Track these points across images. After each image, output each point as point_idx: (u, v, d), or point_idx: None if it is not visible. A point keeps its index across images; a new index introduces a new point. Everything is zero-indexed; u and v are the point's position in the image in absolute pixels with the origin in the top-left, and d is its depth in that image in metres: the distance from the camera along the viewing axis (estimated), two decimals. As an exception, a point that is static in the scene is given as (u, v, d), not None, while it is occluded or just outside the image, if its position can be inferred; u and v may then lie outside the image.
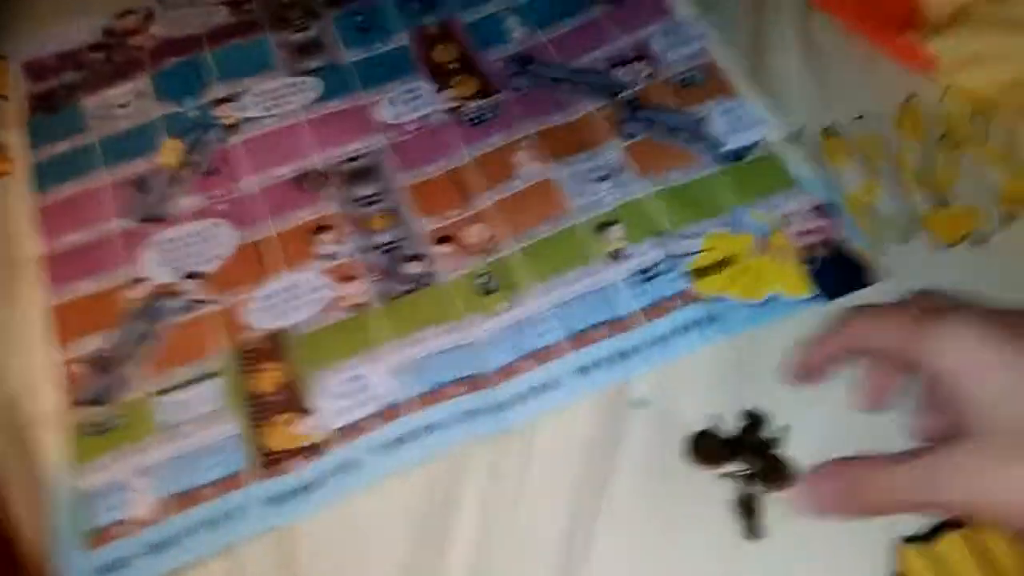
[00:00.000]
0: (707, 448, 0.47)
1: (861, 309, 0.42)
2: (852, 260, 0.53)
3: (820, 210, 0.55)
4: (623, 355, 0.51)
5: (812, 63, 0.63)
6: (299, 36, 0.69)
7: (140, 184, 0.61)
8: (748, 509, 0.45)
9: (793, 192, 0.56)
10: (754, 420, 0.48)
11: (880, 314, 0.41)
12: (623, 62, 0.65)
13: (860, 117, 0.60)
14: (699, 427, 0.48)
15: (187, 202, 0.60)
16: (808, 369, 0.45)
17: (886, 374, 0.44)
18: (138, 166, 0.62)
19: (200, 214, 0.60)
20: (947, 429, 0.39)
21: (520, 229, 0.57)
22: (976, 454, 0.35)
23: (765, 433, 0.47)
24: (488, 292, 0.54)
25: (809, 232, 0.55)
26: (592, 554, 0.45)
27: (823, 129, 0.60)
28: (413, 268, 0.56)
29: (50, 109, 0.66)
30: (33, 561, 0.54)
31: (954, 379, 0.36)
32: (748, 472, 0.46)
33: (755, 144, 0.59)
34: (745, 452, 0.46)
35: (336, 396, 0.51)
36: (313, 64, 0.67)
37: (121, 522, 0.48)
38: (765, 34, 0.65)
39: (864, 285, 0.53)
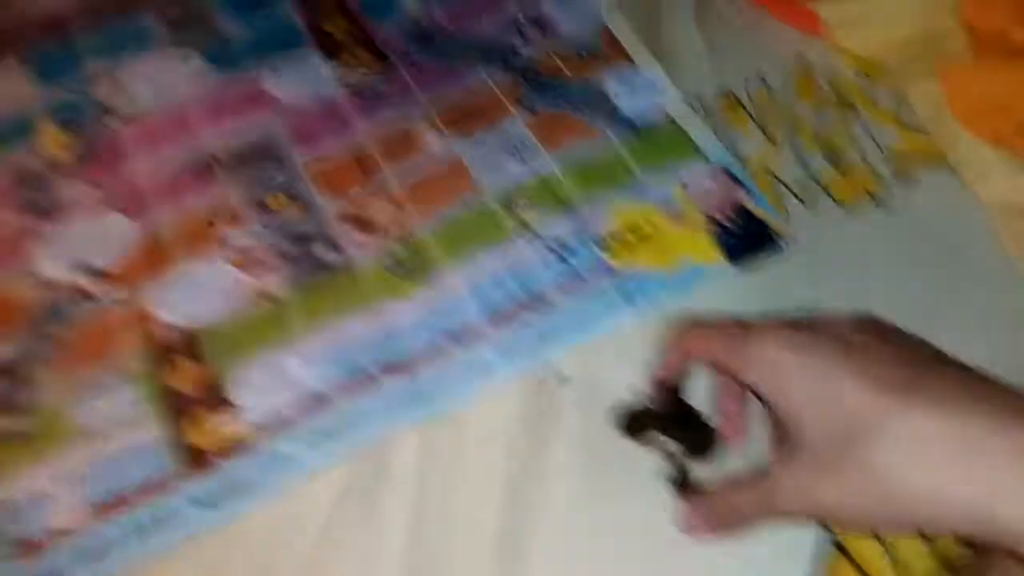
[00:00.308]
0: (632, 424, 0.49)
1: (693, 321, 0.46)
2: (759, 225, 0.56)
3: (724, 176, 0.58)
4: (543, 334, 0.53)
5: (707, 28, 0.65)
6: (176, 10, 0.66)
7: (21, 175, 0.59)
8: (680, 483, 0.48)
9: (696, 159, 0.59)
10: (669, 393, 0.51)
11: (708, 327, 0.45)
12: (518, 31, 0.65)
13: (755, 81, 0.62)
14: (626, 401, 0.50)
15: (74, 192, 0.58)
16: (661, 380, 0.49)
17: (731, 394, 0.48)
18: (18, 157, 0.60)
19: (87, 205, 0.58)
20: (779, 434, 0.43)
21: (430, 208, 0.57)
22: (798, 467, 0.39)
23: (688, 403, 0.50)
24: (403, 276, 0.55)
25: (715, 198, 0.57)
26: (530, 535, 0.47)
27: (720, 94, 0.62)
28: (323, 252, 0.56)
29: (-92, 95, 0.62)
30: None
31: (765, 389, 0.40)
32: (675, 444, 0.48)
33: (653, 112, 0.61)
34: (670, 424, 0.49)
35: (257, 389, 0.51)
36: (192, 37, 0.65)
37: (49, 532, 0.47)
38: (660, 1, 0.66)
39: (772, 249, 0.55)
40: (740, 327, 0.43)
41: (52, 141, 0.60)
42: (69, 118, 0.61)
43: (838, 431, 0.36)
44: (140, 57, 0.63)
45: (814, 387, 0.38)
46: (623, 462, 0.49)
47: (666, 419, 0.48)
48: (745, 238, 0.56)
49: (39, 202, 0.58)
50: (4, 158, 0.59)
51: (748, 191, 0.57)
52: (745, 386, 0.45)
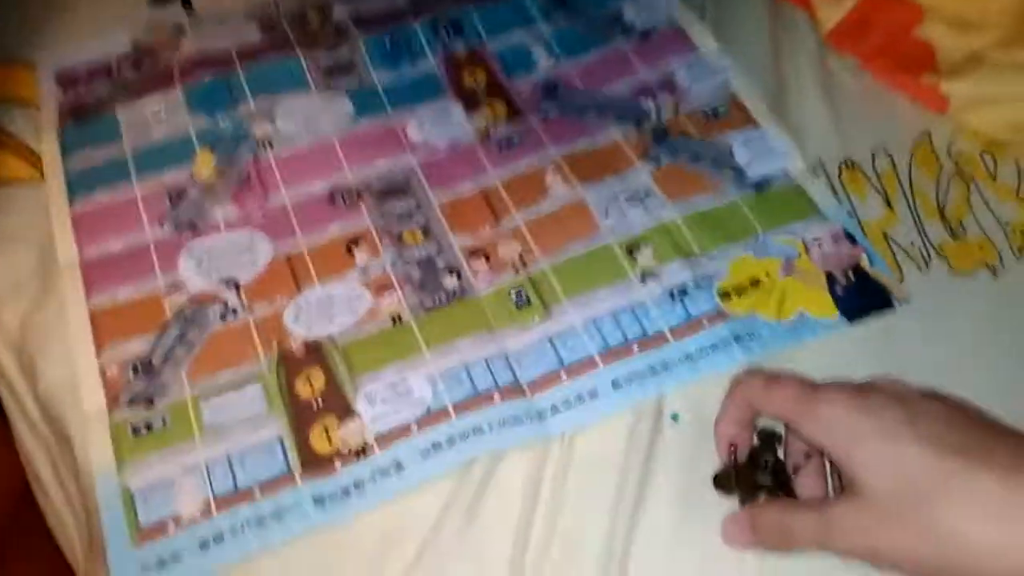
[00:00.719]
0: (725, 482, 0.49)
1: (750, 375, 0.48)
2: (874, 284, 0.57)
3: (843, 236, 0.59)
4: (654, 371, 0.54)
5: (830, 98, 0.66)
6: (330, 56, 0.71)
7: (174, 194, 0.63)
8: (742, 499, 0.48)
9: (815, 219, 0.60)
10: (769, 438, 0.51)
11: (767, 384, 0.46)
12: (648, 92, 0.68)
13: (877, 151, 0.63)
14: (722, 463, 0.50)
15: (221, 213, 0.62)
16: (724, 436, 0.49)
17: (799, 448, 0.49)
18: (171, 177, 0.64)
19: (234, 225, 0.62)
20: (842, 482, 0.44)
21: (552, 247, 0.59)
22: (862, 512, 0.41)
23: (779, 452, 0.50)
24: (522, 306, 0.57)
25: (833, 257, 0.58)
26: (632, 560, 0.48)
27: (842, 161, 0.63)
28: (449, 281, 0.58)
29: (82, 119, 0.68)
30: (75, 558, 0.56)
31: (833, 451, 0.42)
32: (760, 488, 0.49)
33: (777, 173, 0.62)
34: (759, 469, 0.49)
35: (377, 401, 0.53)
36: (344, 84, 0.69)
37: (169, 519, 0.49)
38: (785, 70, 0.68)
39: (886, 308, 0.56)
40: (809, 387, 0.45)
41: (205, 166, 0.64)
42: (223, 146, 0.65)
43: (902, 489, 0.39)
44: (293, 96, 0.67)
45: (880, 449, 0.40)
46: (725, 499, 0.49)
47: (753, 464, 0.48)
48: (860, 296, 0.56)
49: (189, 219, 0.61)
50: (161, 177, 0.63)
51: (866, 252, 0.58)
52: (808, 443, 0.46)
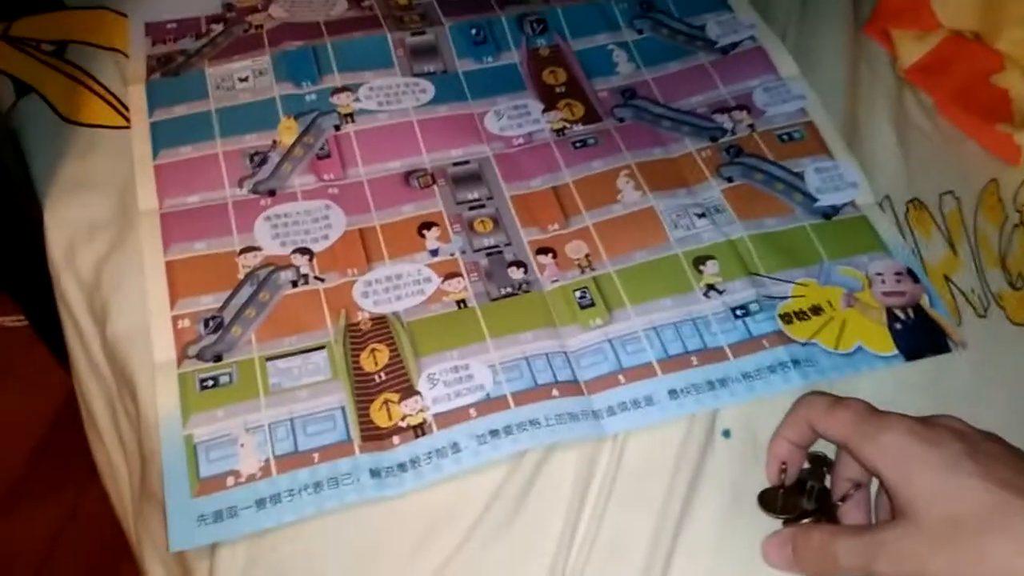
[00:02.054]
0: (770, 502, 0.50)
1: (814, 396, 0.49)
2: (932, 325, 0.57)
3: (904, 275, 0.59)
4: (711, 385, 0.54)
5: (903, 135, 0.66)
6: (415, 39, 0.71)
7: (255, 158, 0.63)
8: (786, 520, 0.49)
9: (880, 254, 0.60)
10: (819, 463, 0.51)
11: (831, 405, 0.47)
12: (724, 109, 0.68)
13: (945, 193, 0.63)
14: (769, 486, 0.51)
15: (299, 180, 0.63)
16: (777, 454, 0.50)
17: (851, 472, 0.49)
18: (253, 140, 0.65)
19: (311, 194, 0.62)
20: (891, 507, 0.45)
21: (619, 251, 0.60)
22: (913, 538, 0.41)
23: (827, 478, 0.50)
24: (585, 306, 0.57)
25: (894, 294, 0.58)
26: (674, 566, 0.48)
27: (910, 200, 0.63)
28: (515, 273, 0.59)
29: (170, 72, 0.68)
30: (121, 502, 0.57)
31: (889, 476, 0.43)
32: (804, 513, 0.49)
33: (846, 204, 0.62)
34: (805, 493, 0.49)
35: (439, 383, 0.53)
36: (427, 68, 0.70)
37: (229, 474, 0.50)
38: (861, 102, 0.68)
39: (942, 350, 0.56)
40: (873, 412, 0.46)
41: (288, 133, 0.64)
42: (306, 116, 0.65)
43: (957, 518, 0.40)
44: (377, 74, 0.68)
45: (939, 478, 0.41)
46: (767, 518, 0.49)
47: (802, 486, 0.49)
48: (918, 336, 0.56)
49: (268, 183, 0.62)
50: (244, 140, 0.64)
51: (927, 292, 0.58)
52: (865, 466, 0.46)
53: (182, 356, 0.54)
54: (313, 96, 0.67)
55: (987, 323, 0.57)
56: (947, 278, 0.59)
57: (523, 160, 0.64)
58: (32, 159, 0.64)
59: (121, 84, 0.68)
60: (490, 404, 0.52)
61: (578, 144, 0.65)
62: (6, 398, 1.12)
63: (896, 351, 0.55)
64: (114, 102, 0.67)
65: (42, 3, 0.74)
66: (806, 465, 0.50)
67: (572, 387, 0.53)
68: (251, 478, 0.49)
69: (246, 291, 0.57)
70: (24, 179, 0.63)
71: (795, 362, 0.54)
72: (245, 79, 0.67)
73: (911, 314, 0.57)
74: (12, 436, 1.09)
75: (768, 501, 0.49)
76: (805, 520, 0.48)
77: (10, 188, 0.61)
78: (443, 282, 0.58)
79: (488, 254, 0.59)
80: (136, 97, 0.66)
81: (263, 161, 0.63)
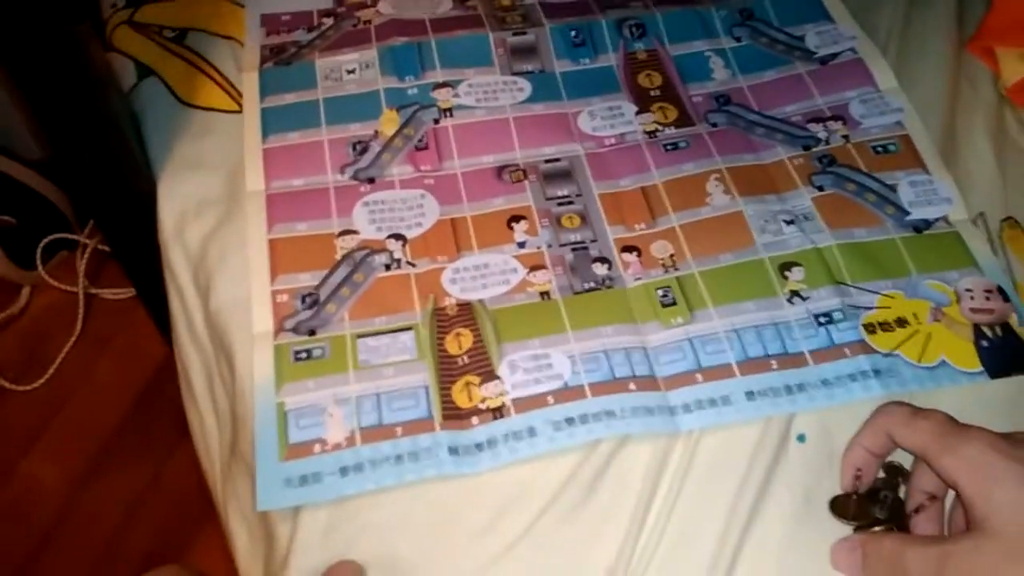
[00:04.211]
0: (842, 508, 0.49)
1: (894, 405, 0.48)
2: (1019, 344, 0.56)
3: (994, 292, 0.58)
4: (789, 390, 0.54)
5: (1001, 154, 0.65)
6: (516, 39, 0.73)
7: (358, 146, 0.66)
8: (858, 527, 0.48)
9: (971, 271, 0.59)
10: (894, 473, 0.51)
11: (912, 415, 0.47)
12: (819, 119, 0.68)
13: (1042, 214, 0.62)
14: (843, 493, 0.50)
15: (397, 170, 0.65)
16: (853, 461, 0.49)
17: (929, 482, 0.48)
18: (357, 129, 0.67)
19: (408, 183, 0.64)
20: (964, 522, 0.44)
21: (704, 253, 0.60)
22: (984, 551, 0.41)
23: (901, 489, 0.50)
24: (667, 305, 0.58)
25: (983, 311, 0.57)
26: (740, 567, 0.48)
27: (1005, 218, 0.62)
28: (599, 269, 0.60)
29: (282, 62, 0.71)
30: (211, 463, 0.59)
31: (968, 488, 0.42)
32: (875, 521, 0.48)
33: (939, 219, 0.61)
34: (878, 502, 0.49)
35: (519, 370, 0.54)
36: (526, 67, 0.71)
37: (316, 441, 0.52)
38: (959, 118, 0.67)
39: (1027, 370, 0.55)
40: (954, 424, 0.45)
41: (390, 124, 0.66)
42: (407, 109, 0.67)
43: None
44: (477, 71, 0.69)
45: (1018, 494, 0.41)
46: (836, 526, 0.49)
47: (875, 495, 0.48)
48: (1005, 354, 0.55)
49: (368, 171, 0.64)
50: (348, 128, 0.66)
51: (1016, 312, 0.56)
52: (943, 478, 0.45)
53: (279, 328, 0.56)
54: (415, 90, 0.68)
55: (1077, 346, 0.56)
56: (1038, 298, 0.58)
57: (613, 160, 0.65)
58: (149, 138, 0.67)
59: (236, 71, 0.71)
60: (568, 393, 0.53)
61: (669, 147, 0.66)
62: (103, 365, 1.17)
63: (981, 368, 0.54)
64: (228, 88, 0.70)
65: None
66: (881, 474, 0.50)
67: (649, 382, 0.54)
68: (337, 447, 0.51)
69: (342, 271, 0.59)
70: (142, 156, 0.66)
71: (876, 372, 0.54)
72: (352, 71, 0.70)
73: (999, 332, 0.56)
74: (105, 403, 1.14)
75: (840, 507, 0.49)
76: (877, 528, 0.48)
77: (129, 163, 0.64)
78: (528, 273, 0.59)
79: (574, 249, 0.60)
80: (249, 84, 0.69)
81: (364, 150, 0.65)
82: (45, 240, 1.20)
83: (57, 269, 1.22)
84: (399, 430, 0.52)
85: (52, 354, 1.17)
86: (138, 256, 0.72)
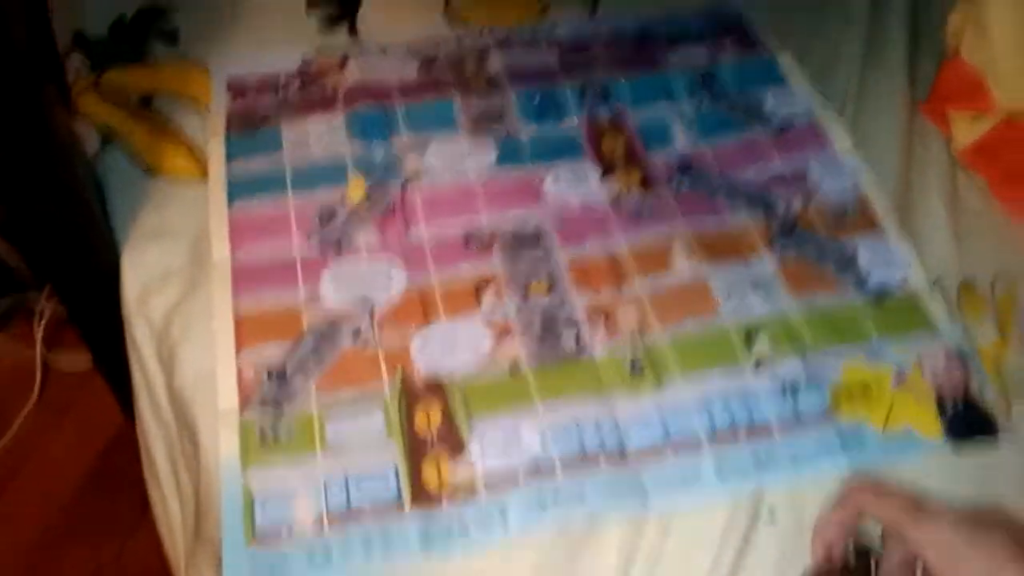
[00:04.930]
0: None
1: (862, 479, 0.47)
2: (981, 412, 0.54)
3: (955, 358, 0.57)
4: (758, 463, 0.52)
5: (955, 216, 0.64)
6: (482, 104, 0.71)
7: (324, 213, 0.63)
8: None
9: (930, 336, 0.58)
10: (864, 555, 0.49)
11: (881, 488, 0.45)
12: (780, 183, 0.66)
13: (997, 277, 0.61)
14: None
15: (364, 237, 0.62)
16: (824, 538, 0.47)
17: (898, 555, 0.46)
18: (324, 195, 0.65)
19: (375, 250, 0.62)
20: None
21: (670, 320, 0.58)
22: None
23: (872, 570, 0.48)
24: (635, 374, 0.56)
25: (944, 377, 0.56)
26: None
27: (961, 281, 0.61)
28: (568, 337, 0.58)
29: (248, 128, 0.69)
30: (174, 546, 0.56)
31: (938, 566, 0.41)
32: None
33: (898, 283, 0.60)
34: None
35: (491, 446, 0.52)
36: (492, 131, 0.69)
37: (283, 527, 0.49)
38: (914, 181, 0.66)
39: (990, 437, 0.53)
40: (919, 502, 0.44)
41: (357, 191, 0.64)
42: (374, 175, 0.65)
43: None
44: (443, 136, 0.68)
45: (984, 569, 0.40)
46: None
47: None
48: (967, 421, 0.54)
49: (335, 239, 0.62)
50: (315, 195, 0.64)
51: (977, 377, 0.55)
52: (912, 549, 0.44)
53: (245, 404, 0.54)
54: (382, 155, 0.67)
55: (1038, 411, 0.55)
56: (997, 363, 0.57)
57: (579, 224, 0.64)
58: (113, 205, 0.65)
59: (202, 136, 0.68)
60: (538, 469, 0.51)
61: (634, 211, 0.64)
62: (60, 437, 1.11)
63: (944, 436, 0.53)
64: (194, 153, 0.67)
65: (131, 55, 0.75)
66: (852, 556, 0.48)
67: (620, 456, 0.52)
68: (303, 532, 0.49)
69: (308, 343, 0.56)
70: (105, 224, 0.63)
71: (843, 442, 0.53)
72: (319, 136, 0.68)
73: (960, 398, 0.55)
74: (62, 473, 1.08)
75: None
76: None
77: (92, 233, 0.61)
78: (497, 343, 0.57)
79: (542, 316, 0.58)
80: (215, 150, 0.67)
81: (331, 216, 0.63)
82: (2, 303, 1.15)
83: (13, 333, 1.16)
84: (368, 514, 0.49)
85: (7, 421, 1.11)
86: (98, 326, 0.69)
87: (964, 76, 0.69)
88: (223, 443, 0.52)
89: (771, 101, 0.72)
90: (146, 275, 0.60)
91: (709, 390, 0.55)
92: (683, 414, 0.54)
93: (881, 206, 0.64)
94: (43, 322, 1.10)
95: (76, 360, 1.10)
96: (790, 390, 0.55)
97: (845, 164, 0.67)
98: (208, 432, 0.53)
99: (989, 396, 0.55)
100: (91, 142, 0.69)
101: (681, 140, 0.70)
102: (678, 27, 0.78)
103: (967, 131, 0.68)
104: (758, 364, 0.56)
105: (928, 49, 0.74)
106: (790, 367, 0.55)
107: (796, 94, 0.72)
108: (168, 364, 0.57)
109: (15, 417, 1.08)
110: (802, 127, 0.70)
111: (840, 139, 0.69)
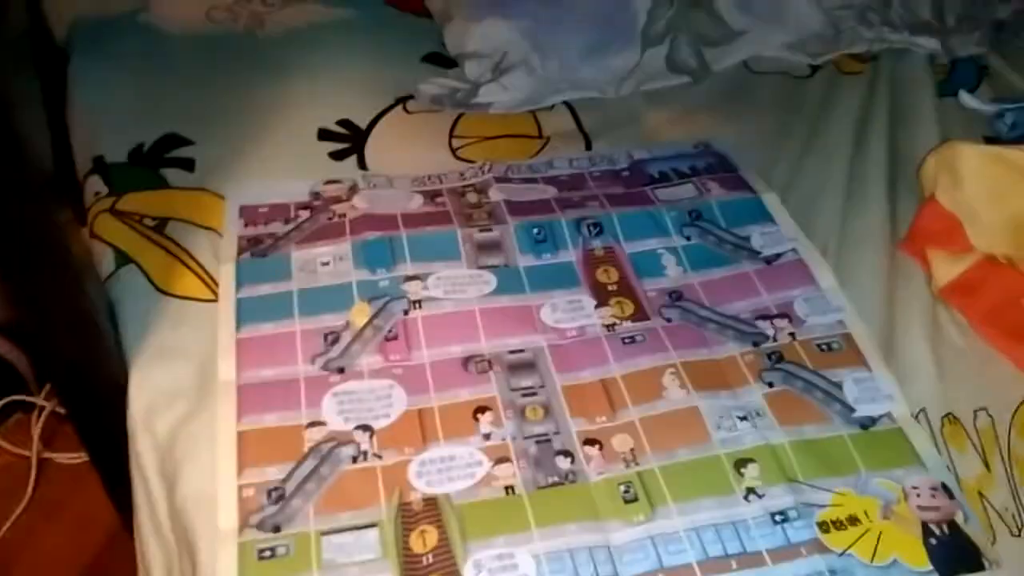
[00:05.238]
0: None
1: None
2: (967, 542, 0.55)
3: (940, 490, 0.57)
4: (750, 590, 0.53)
5: (937, 351, 0.66)
6: (482, 235, 0.74)
7: (329, 337, 0.65)
8: None
9: (916, 468, 0.59)
10: None
11: None
12: (767, 316, 0.69)
13: (979, 410, 0.62)
14: None
15: (367, 360, 0.64)
16: None
17: None
18: (329, 320, 0.66)
19: (377, 373, 0.63)
20: None
21: (663, 448, 0.59)
22: None
23: None
24: (629, 501, 0.57)
25: (930, 508, 0.56)
26: None
27: (945, 414, 0.62)
28: (562, 463, 0.59)
29: (259, 253, 0.71)
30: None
31: None
32: None
33: (883, 416, 0.62)
34: None
35: (484, 569, 0.52)
36: (491, 261, 0.72)
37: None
38: (897, 317, 0.69)
39: (976, 568, 0.54)
40: None
41: (361, 316, 0.66)
42: (379, 301, 0.67)
43: None
44: (446, 265, 0.70)
45: None
46: None
47: None
48: (953, 552, 0.55)
49: (339, 362, 0.63)
50: (320, 320, 0.65)
51: (962, 509, 0.56)
52: None
53: (244, 524, 0.54)
54: (386, 282, 0.69)
55: (1021, 542, 0.56)
56: (981, 495, 0.58)
57: (575, 352, 0.65)
58: (125, 325, 0.66)
59: (214, 260, 0.71)
60: (533, 596, 0.51)
61: (627, 340, 0.66)
62: (53, 533, 1.10)
63: (931, 567, 0.54)
64: (205, 277, 0.70)
65: (148, 181, 0.78)
66: None
67: (613, 584, 0.52)
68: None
69: (309, 464, 0.57)
70: (115, 344, 0.64)
71: (832, 572, 0.53)
72: (326, 263, 0.70)
73: (946, 529, 0.55)
74: (57, 572, 1.07)
75: None
76: None
77: (102, 353, 0.63)
78: (493, 467, 0.58)
79: (537, 442, 0.59)
80: (226, 274, 0.69)
81: (336, 340, 0.64)
82: (1, 401, 1.15)
83: (11, 430, 1.16)
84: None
85: (1, 516, 1.10)
86: (100, 434, 0.70)
87: (941, 218, 0.72)
88: (221, 563, 0.52)
89: (757, 238, 0.75)
90: (153, 392, 0.61)
91: (701, 519, 0.55)
92: (676, 543, 0.54)
93: (865, 341, 0.66)
94: (41, 420, 1.10)
95: (72, 458, 1.10)
96: (780, 520, 0.55)
97: (830, 301, 0.69)
98: (207, 551, 0.53)
99: (974, 527, 0.55)
100: (106, 262, 0.71)
101: (672, 272, 0.72)
102: (667, 166, 0.81)
103: (947, 270, 0.70)
104: (749, 494, 0.56)
105: (907, 187, 0.78)
106: (780, 497, 0.56)
107: (781, 232, 0.75)
108: (171, 482, 0.58)
109: (8, 514, 1.06)
110: (787, 264, 0.73)
111: (824, 276, 0.71)
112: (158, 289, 0.69)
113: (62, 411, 1.07)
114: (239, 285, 0.68)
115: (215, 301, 0.67)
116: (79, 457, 1.10)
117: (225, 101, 0.85)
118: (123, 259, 0.71)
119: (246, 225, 0.74)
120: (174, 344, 0.65)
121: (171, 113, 0.83)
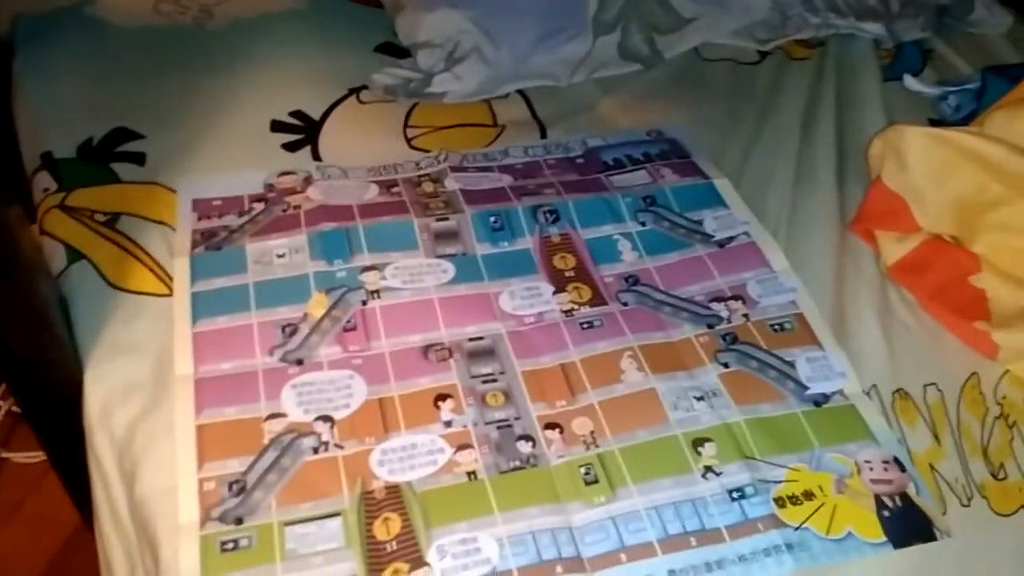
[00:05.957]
0: None
1: None
2: (919, 513, 0.57)
3: (892, 463, 0.59)
4: (709, 567, 0.54)
5: (887, 329, 0.68)
6: (439, 224, 0.74)
7: (287, 329, 0.65)
8: None
9: (868, 442, 0.60)
10: None
11: None
12: (721, 299, 0.70)
13: (929, 385, 0.64)
14: None
15: (325, 351, 0.64)
16: None
17: None
18: (286, 312, 0.66)
19: (336, 364, 0.63)
20: None
21: (622, 429, 0.60)
22: None
23: None
24: (590, 483, 0.57)
25: (882, 481, 0.58)
26: None
27: (896, 390, 0.64)
28: (524, 447, 0.59)
29: (214, 247, 0.70)
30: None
31: None
32: None
33: (836, 393, 0.63)
34: None
35: (447, 555, 0.53)
36: (449, 250, 0.72)
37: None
38: (847, 296, 0.70)
39: (928, 538, 0.55)
40: None
41: (319, 307, 0.66)
42: (336, 292, 0.67)
43: None
44: (403, 254, 0.70)
45: None
46: None
47: None
48: (905, 523, 0.56)
49: (297, 354, 0.63)
50: (277, 312, 0.65)
51: (913, 481, 0.58)
52: None
53: (205, 517, 0.54)
54: (343, 273, 0.68)
55: (971, 512, 0.57)
56: (932, 467, 0.60)
57: (534, 338, 0.66)
58: (78, 322, 0.65)
59: (167, 255, 0.70)
60: (496, 579, 0.52)
61: (585, 325, 0.67)
62: (12, 532, 1.08)
63: (884, 538, 0.55)
64: (159, 272, 0.69)
65: (98, 176, 0.77)
66: None
67: (575, 563, 0.53)
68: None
69: (270, 456, 0.57)
70: (69, 341, 0.63)
71: (788, 546, 0.54)
72: (282, 255, 0.70)
73: (898, 502, 0.57)
74: (18, 572, 1.05)
75: None
76: None
77: (55, 350, 0.62)
78: (455, 453, 0.58)
79: (499, 427, 0.60)
80: (180, 268, 0.68)
81: (294, 332, 0.64)
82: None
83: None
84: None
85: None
86: (57, 432, 0.69)
87: (888, 199, 0.74)
88: (183, 557, 0.52)
89: (710, 222, 0.76)
90: (109, 389, 0.61)
91: (661, 498, 0.56)
92: (636, 521, 0.55)
93: (817, 321, 0.67)
94: (-2, 418, 1.08)
95: (30, 457, 1.08)
96: (738, 496, 0.56)
97: (782, 282, 0.70)
98: (169, 545, 0.53)
99: (926, 499, 0.57)
100: (58, 259, 0.70)
101: (627, 257, 0.73)
102: (621, 152, 0.82)
103: (894, 250, 0.72)
104: (707, 472, 0.57)
105: (855, 169, 0.79)
106: (737, 474, 0.57)
107: (733, 216, 0.76)
108: (130, 477, 0.57)
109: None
110: (740, 247, 0.74)
111: (776, 258, 0.72)
112: (111, 285, 0.68)
113: (18, 410, 1.05)
114: (194, 279, 0.68)
115: (170, 296, 0.67)
116: (37, 456, 1.09)
117: (175, 94, 0.84)
118: (75, 255, 0.70)
119: (199, 218, 0.73)
120: (129, 340, 0.64)
121: (120, 107, 0.82)
